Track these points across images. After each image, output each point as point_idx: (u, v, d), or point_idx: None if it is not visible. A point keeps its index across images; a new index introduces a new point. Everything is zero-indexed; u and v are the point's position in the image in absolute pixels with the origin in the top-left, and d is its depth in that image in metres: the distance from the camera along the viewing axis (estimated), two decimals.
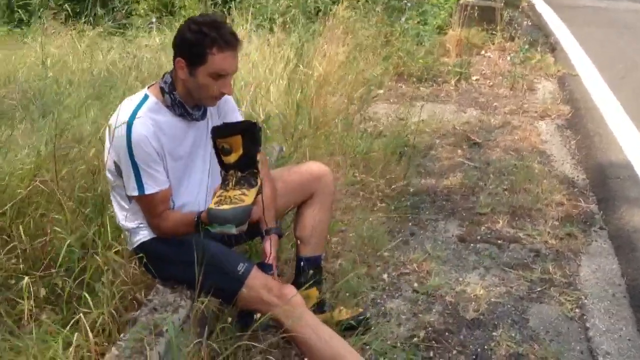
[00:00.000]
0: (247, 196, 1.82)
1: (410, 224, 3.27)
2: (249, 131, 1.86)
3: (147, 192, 1.97)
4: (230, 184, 1.84)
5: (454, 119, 4.81)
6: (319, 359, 1.95)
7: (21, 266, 2.24)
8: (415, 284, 2.74)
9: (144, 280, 2.19)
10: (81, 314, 1.95)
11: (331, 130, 3.85)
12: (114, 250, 2.17)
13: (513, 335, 2.43)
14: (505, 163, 4.00)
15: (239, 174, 1.85)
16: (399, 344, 2.34)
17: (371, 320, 2.41)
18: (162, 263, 2.08)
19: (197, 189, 2.12)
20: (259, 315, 1.94)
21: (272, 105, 3.94)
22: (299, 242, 2.34)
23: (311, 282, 2.31)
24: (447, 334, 2.43)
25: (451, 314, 2.55)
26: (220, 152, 1.87)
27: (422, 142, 4.26)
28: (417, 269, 2.85)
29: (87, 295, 1.96)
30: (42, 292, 2.18)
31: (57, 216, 2.37)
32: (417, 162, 3.96)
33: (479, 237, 3.15)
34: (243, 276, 1.97)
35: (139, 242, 2.10)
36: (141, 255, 2.09)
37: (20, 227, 2.25)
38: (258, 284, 1.96)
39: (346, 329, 2.29)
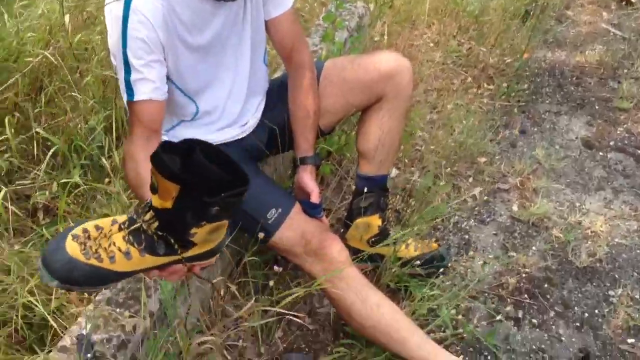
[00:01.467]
0: (125, 262, 0.99)
1: (522, 116, 2.58)
2: (202, 185, 0.89)
3: (137, 97, 1.43)
4: (127, 225, 0.99)
5: None
6: (360, 327, 1.50)
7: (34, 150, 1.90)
8: (515, 207, 2.14)
9: None
10: None
11: None
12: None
13: (638, 298, 1.83)
14: None
15: (153, 228, 0.97)
16: (478, 294, 1.82)
17: (448, 261, 1.88)
18: None
19: (228, 93, 1.58)
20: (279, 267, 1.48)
21: None
22: (360, 156, 1.79)
23: (373, 207, 1.80)
24: (546, 285, 1.88)
25: (556, 256, 1.97)
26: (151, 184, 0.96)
27: None
28: (520, 184, 2.23)
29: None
30: (54, 187, 1.84)
31: (75, 94, 1.96)
32: (546, 28, 3.11)
33: (611, 144, 2.42)
34: (273, 226, 1.48)
35: None
36: None
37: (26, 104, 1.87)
38: (292, 237, 1.48)
39: (418, 266, 1.80)
